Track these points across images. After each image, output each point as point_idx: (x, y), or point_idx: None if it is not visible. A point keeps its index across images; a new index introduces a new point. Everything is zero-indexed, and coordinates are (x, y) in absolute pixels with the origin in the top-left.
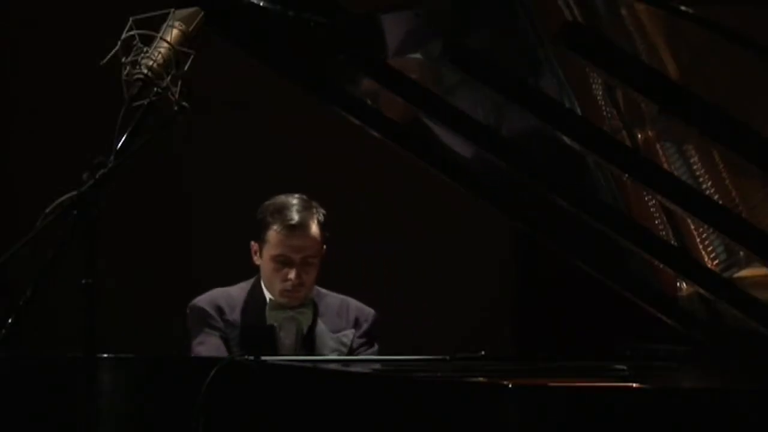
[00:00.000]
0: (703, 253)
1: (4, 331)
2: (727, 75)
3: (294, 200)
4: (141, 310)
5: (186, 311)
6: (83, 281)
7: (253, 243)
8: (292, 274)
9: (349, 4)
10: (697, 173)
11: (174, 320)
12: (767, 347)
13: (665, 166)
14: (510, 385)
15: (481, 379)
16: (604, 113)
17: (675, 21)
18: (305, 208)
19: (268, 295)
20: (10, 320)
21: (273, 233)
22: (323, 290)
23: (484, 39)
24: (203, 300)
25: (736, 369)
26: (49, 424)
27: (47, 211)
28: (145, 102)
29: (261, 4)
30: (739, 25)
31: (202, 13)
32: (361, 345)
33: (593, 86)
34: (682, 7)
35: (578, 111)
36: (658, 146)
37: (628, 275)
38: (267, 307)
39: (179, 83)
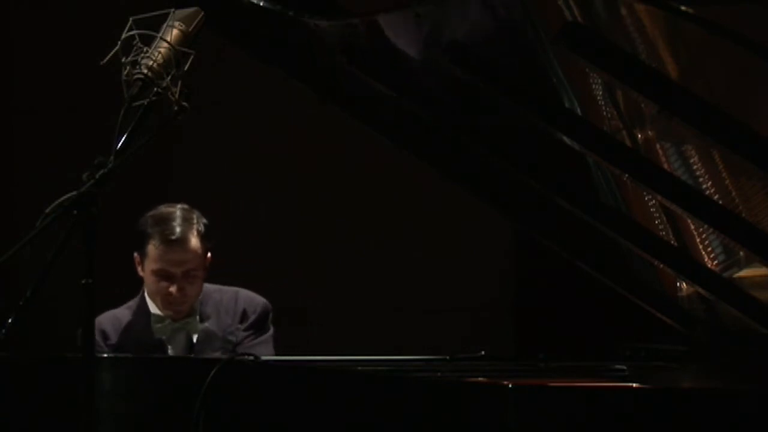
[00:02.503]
0: (703, 253)
1: (4, 331)
2: (727, 75)
3: (174, 212)
4: None
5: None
6: (83, 281)
7: (135, 254)
8: (173, 288)
9: (349, 4)
10: (697, 173)
11: None
12: (767, 347)
13: (665, 166)
14: (510, 385)
15: (481, 379)
16: (604, 113)
17: (675, 21)
18: (185, 221)
19: (152, 308)
20: (10, 320)
21: (152, 247)
22: (212, 287)
23: (484, 39)
24: None
25: (736, 369)
26: (49, 424)
27: (47, 211)
28: (145, 102)
29: (261, 4)
30: (739, 25)
31: (202, 13)
32: (247, 337)
33: (593, 86)
34: (682, 7)
35: (578, 111)
36: (658, 146)
37: (628, 275)
38: (152, 321)
39: (179, 83)
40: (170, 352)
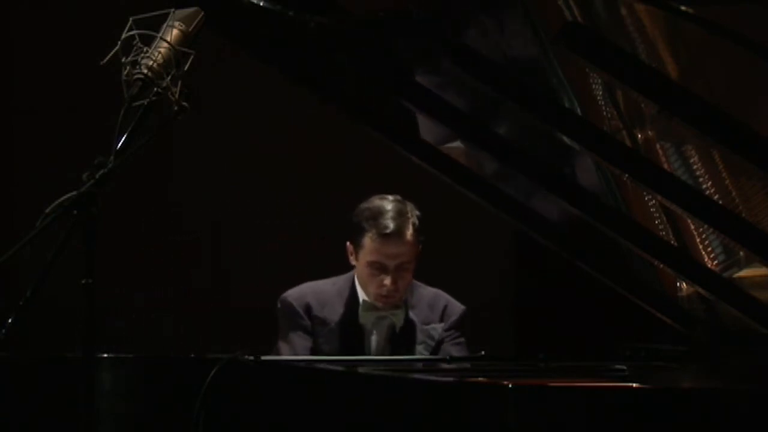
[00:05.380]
0: (703, 253)
1: (4, 331)
2: (727, 75)
3: (389, 205)
4: (139, 310)
5: (277, 304)
6: (83, 281)
7: (348, 244)
8: (387, 281)
9: (349, 4)
10: (697, 173)
11: (168, 320)
12: (767, 347)
13: (665, 166)
14: (510, 385)
15: (481, 379)
16: (604, 113)
17: (675, 21)
18: (401, 214)
19: (361, 296)
20: (10, 320)
21: (368, 240)
22: (416, 282)
23: (484, 39)
24: (293, 295)
25: (736, 369)
26: (49, 424)
27: (47, 211)
28: (145, 102)
29: (261, 4)
30: (739, 25)
31: (202, 13)
32: (448, 337)
33: (593, 86)
34: (682, 7)
35: (578, 111)
36: (658, 146)
37: (629, 275)
38: (360, 308)
39: (179, 83)
40: (373, 339)
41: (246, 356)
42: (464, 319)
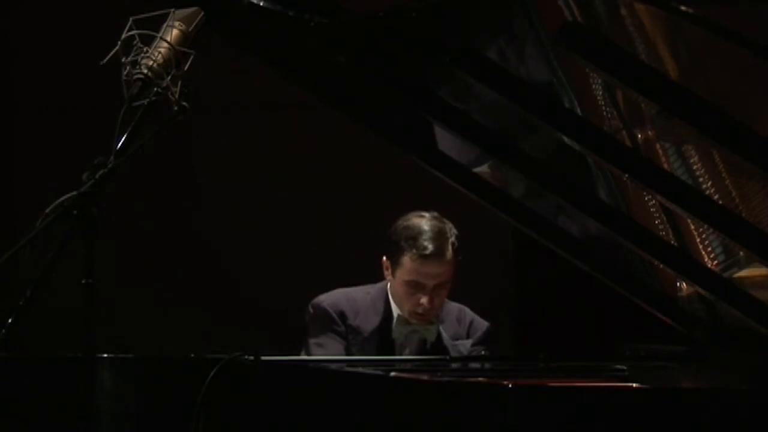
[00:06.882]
0: (703, 253)
1: (4, 331)
2: (727, 75)
3: (427, 225)
4: (140, 310)
5: (308, 309)
6: (83, 281)
7: (384, 259)
8: (424, 300)
9: (349, 4)
10: (697, 173)
11: (168, 320)
12: (767, 347)
13: (665, 166)
14: (510, 385)
15: (481, 379)
16: (604, 113)
17: (675, 21)
18: (440, 234)
19: (395, 310)
20: (10, 320)
21: (407, 259)
22: None
23: (484, 39)
24: (327, 302)
25: (736, 369)
26: (49, 424)
27: (47, 211)
28: (145, 102)
29: (261, 4)
30: (739, 25)
31: (202, 13)
32: (475, 353)
33: (593, 86)
34: (682, 7)
35: (578, 111)
36: (658, 146)
37: (629, 275)
38: (394, 323)
39: (179, 83)
40: (405, 353)
41: (246, 356)
42: (489, 334)
